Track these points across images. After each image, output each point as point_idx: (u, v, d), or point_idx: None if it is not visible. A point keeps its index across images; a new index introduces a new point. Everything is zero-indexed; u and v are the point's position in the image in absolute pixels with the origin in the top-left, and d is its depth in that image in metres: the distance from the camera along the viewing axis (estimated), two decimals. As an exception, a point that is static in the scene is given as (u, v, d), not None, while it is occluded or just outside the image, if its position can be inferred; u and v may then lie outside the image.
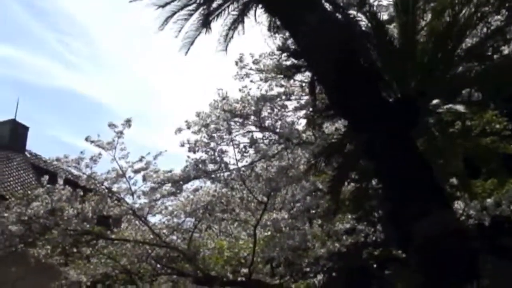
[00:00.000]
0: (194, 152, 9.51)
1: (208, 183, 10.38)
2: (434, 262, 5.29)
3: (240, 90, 9.78)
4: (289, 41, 8.03)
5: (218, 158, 9.24)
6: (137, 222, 10.92)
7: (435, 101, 6.71)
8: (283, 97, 10.42)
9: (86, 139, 9.62)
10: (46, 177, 9.71)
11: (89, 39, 61.51)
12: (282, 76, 10.50)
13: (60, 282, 12.17)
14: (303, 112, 10.70)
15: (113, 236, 10.70)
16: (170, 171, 9.85)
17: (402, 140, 5.92)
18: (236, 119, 9.56)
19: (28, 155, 25.58)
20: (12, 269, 11.29)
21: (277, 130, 9.96)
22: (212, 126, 9.28)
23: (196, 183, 10.22)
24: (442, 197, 5.75)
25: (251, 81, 10.54)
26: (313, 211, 11.28)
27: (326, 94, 7.09)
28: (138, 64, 64.57)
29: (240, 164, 9.30)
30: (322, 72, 6.20)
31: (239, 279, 10.60)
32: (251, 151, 9.42)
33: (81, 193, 9.85)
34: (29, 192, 10.39)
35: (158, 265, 11.59)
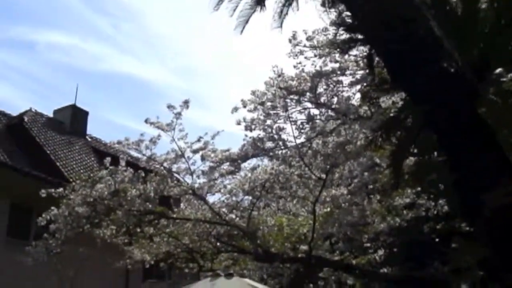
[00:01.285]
0: (251, 131, 9.53)
1: (265, 161, 10.43)
2: (502, 235, 5.16)
3: (294, 67, 9.73)
4: (345, 15, 7.90)
5: (275, 136, 9.25)
6: (196, 201, 11.07)
7: (498, 70, 6.50)
8: (338, 72, 10.29)
9: (146, 121, 9.80)
10: (109, 159, 9.95)
11: (140, 22, 62.32)
12: (336, 51, 10.35)
13: (124, 261, 12.56)
14: (358, 87, 10.57)
15: (174, 216, 10.90)
16: (228, 150, 9.92)
17: (466, 111, 5.76)
18: (292, 96, 9.51)
19: (89, 139, 26.35)
20: (79, 249, 11.69)
21: (333, 106, 9.86)
22: (268, 103, 9.27)
23: (253, 162, 10.29)
24: (510, 168, 5.58)
25: (305, 57, 10.44)
26: (371, 187, 11.20)
27: (384, 67, 6.95)
28: (189, 45, 65.06)
29: (297, 141, 9.26)
30: (381, 45, 6.08)
31: (299, 255, 10.65)
32: (308, 127, 9.37)
33: (143, 174, 10.05)
34: (91, 175, 10.68)
35: (219, 243, 11.77)
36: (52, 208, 9.75)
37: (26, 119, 23.85)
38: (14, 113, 25.03)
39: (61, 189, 9.84)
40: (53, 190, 9.84)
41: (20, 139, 22.80)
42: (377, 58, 7.93)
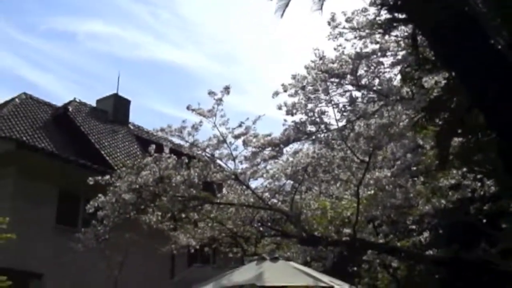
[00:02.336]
0: (292, 115, 9.52)
1: (306, 145, 10.41)
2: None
3: (335, 49, 9.65)
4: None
5: (317, 119, 9.21)
6: (238, 186, 11.15)
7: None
8: (379, 53, 10.16)
9: (188, 108, 9.88)
10: (153, 146, 10.09)
11: (178, 9, 62.64)
12: (377, 32, 10.22)
13: (170, 246, 12.78)
14: (399, 68, 10.42)
15: (218, 201, 11.01)
16: (270, 135, 9.94)
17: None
18: (333, 79, 9.46)
19: (131, 127, 26.77)
20: (126, 235, 11.94)
21: (375, 88, 9.76)
22: (309, 87, 9.23)
23: (295, 146, 10.28)
24: None
25: (345, 39, 10.34)
26: (415, 168, 11.05)
27: (429, 46, 6.83)
28: (226, 31, 65.09)
29: (339, 124, 9.20)
30: (425, 23, 5.97)
31: (343, 238, 10.64)
32: (350, 110, 9.30)
33: (186, 161, 10.16)
34: (136, 162, 10.86)
35: (262, 228, 11.85)
36: (99, 195, 9.97)
37: (70, 109, 24.39)
38: (59, 103, 25.61)
39: (107, 177, 10.05)
40: (99, 177, 10.05)
41: (66, 129, 23.33)
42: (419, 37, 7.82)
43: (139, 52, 59.47)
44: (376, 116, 9.18)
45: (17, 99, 23.96)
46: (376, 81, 9.76)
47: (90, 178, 10.10)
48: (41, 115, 23.79)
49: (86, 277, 17.41)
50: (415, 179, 10.75)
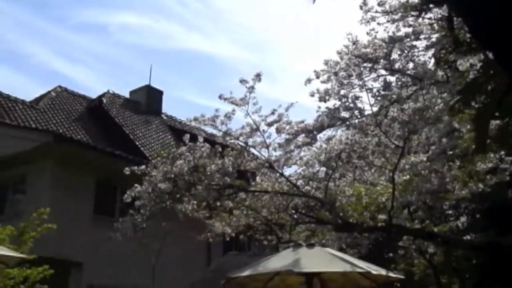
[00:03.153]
0: (325, 101, 9.49)
1: (340, 131, 10.36)
2: None
3: (367, 33, 9.56)
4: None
5: (351, 105, 9.16)
6: (272, 174, 11.16)
7: None
8: (412, 37, 10.04)
9: (220, 97, 9.91)
10: (188, 135, 10.17)
11: (207, -1, 62.61)
12: (410, 15, 10.09)
13: (206, 234, 12.91)
14: (433, 51, 10.28)
15: (252, 189, 11.04)
16: (303, 122, 9.91)
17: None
18: (366, 64, 9.38)
19: (164, 118, 27.04)
20: (163, 224, 12.10)
21: (409, 72, 9.65)
22: (342, 73, 9.18)
23: (328, 133, 10.24)
24: None
25: (378, 23, 10.23)
26: (451, 153, 10.90)
27: (467, 27, 6.69)
28: (255, 20, 64.90)
29: (374, 109, 9.12)
30: (462, 4, 5.84)
31: (378, 224, 10.57)
32: (384, 95, 9.21)
33: (220, 150, 10.22)
34: (171, 151, 10.96)
35: (297, 215, 11.85)
36: (136, 185, 10.11)
37: (104, 101, 24.78)
38: (92, 95, 26.03)
39: (143, 167, 10.18)
40: (136, 167, 10.19)
41: (100, 121, 23.72)
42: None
43: (170, 42, 59.91)
44: (410, 100, 9.08)
45: (52, 93, 24.46)
46: (410, 65, 9.66)
47: (126, 168, 10.24)
48: (76, 107, 24.24)
49: (124, 265, 17.77)
50: (451, 163, 10.61)
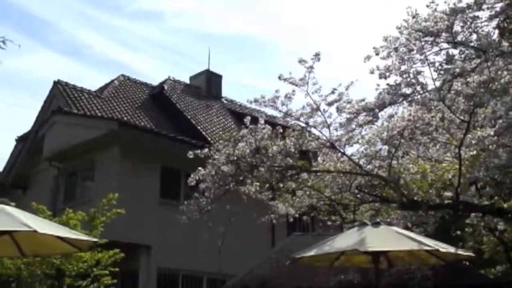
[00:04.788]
0: (385, 78, 9.31)
1: (401, 108, 10.16)
2: None
3: (427, 6, 9.27)
4: None
5: (413, 80, 8.95)
6: (333, 154, 11.10)
7: None
8: (474, 7, 9.66)
9: (279, 78, 9.92)
10: (249, 117, 10.25)
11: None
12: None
13: (269, 215, 13.01)
14: (496, 21, 9.87)
15: (314, 169, 11.03)
16: (363, 100, 9.78)
17: None
18: (427, 38, 9.12)
19: (224, 102, 27.32)
20: (227, 206, 12.27)
21: (472, 44, 9.32)
22: (402, 48, 8.97)
23: (389, 110, 10.06)
24: None
25: (437, -5, 9.90)
26: (519, 126, 10.51)
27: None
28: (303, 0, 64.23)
29: (437, 84, 8.88)
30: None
31: (445, 202, 10.36)
32: (447, 68, 8.95)
33: (281, 131, 10.25)
34: (233, 134, 11.06)
35: (360, 194, 11.76)
36: (199, 168, 10.29)
37: (166, 87, 25.26)
38: (153, 82, 26.59)
39: (206, 150, 10.34)
40: (199, 151, 10.37)
41: (163, 107, 24.25)
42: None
43: (224, 26, 60.20)
44: (475, 73, 8.79)
45: (116, 81, 25.16)
46: (473, 36, 9.30)
47: (190, 152, 10.44)
48: (139, 95, 24.86)
49: (191, 248, 18.20)
50: (521, 137, 10.24)
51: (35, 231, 5.93)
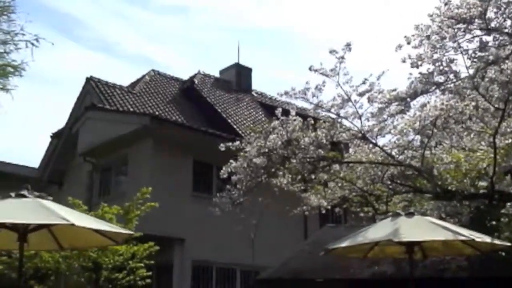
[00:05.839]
0: (417, 67, 9.20)
1: (434, 97, 10.03)
2: None
3: (460, -7, 9.13)
4: None
5: (446, 68, 8.84)
6: (365, 144, 11.02)
7: None
8: (509, -8, 9.46)
9: (310, 69, 9.87)
10: (280, 109, 10.27)
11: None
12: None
13: (301, 207, 13.01)
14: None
15: (346, 160, 10.98)
16: (395, 90, 9.70)
17: None
18: (459, 25, 8.99)
19: (255, 95, 27.36)
20: (259, 198, 12.32)
21: (506, 30, 9.15)
22: (435, 36, 8.85)
23: (422, 99, 9.94)
24: None
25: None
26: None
27: None
28: (341, -10, 63.81)
29: (470, 72, 8.75)
30: None
31: (480, 192, 10.21)
32: (481, 56, 8.80)
33: (312, 122, 10.23)
34: (265, 126, 11.10)
35: (392, 185, 11.66)
36: (231, 161, 10.35)
37: (196, 81, 25.40)
38: (184, 77, 26.77)
39: (237, 143, 10.39)
40: (230, 144, 10.42)
41: (193, 101, 24.42)
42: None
43: (253, 20, 60.10)
44: (509, 60, 8.62)
45: (147, 77, 25.41)
46: (508, 22, 9.13)
47: (221, 145, 10.50)
48: (169, 89, 25.07)
49: (224, 240, 18.32)
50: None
51: (72, 224, 6.00)
